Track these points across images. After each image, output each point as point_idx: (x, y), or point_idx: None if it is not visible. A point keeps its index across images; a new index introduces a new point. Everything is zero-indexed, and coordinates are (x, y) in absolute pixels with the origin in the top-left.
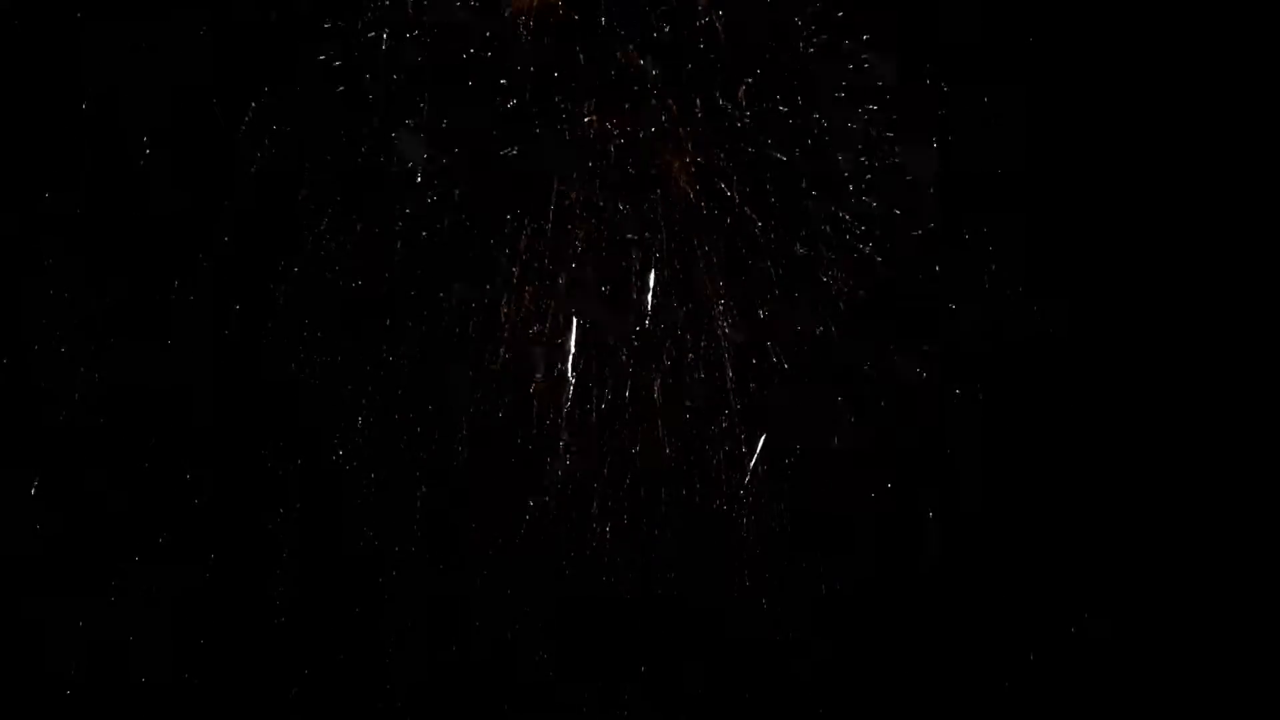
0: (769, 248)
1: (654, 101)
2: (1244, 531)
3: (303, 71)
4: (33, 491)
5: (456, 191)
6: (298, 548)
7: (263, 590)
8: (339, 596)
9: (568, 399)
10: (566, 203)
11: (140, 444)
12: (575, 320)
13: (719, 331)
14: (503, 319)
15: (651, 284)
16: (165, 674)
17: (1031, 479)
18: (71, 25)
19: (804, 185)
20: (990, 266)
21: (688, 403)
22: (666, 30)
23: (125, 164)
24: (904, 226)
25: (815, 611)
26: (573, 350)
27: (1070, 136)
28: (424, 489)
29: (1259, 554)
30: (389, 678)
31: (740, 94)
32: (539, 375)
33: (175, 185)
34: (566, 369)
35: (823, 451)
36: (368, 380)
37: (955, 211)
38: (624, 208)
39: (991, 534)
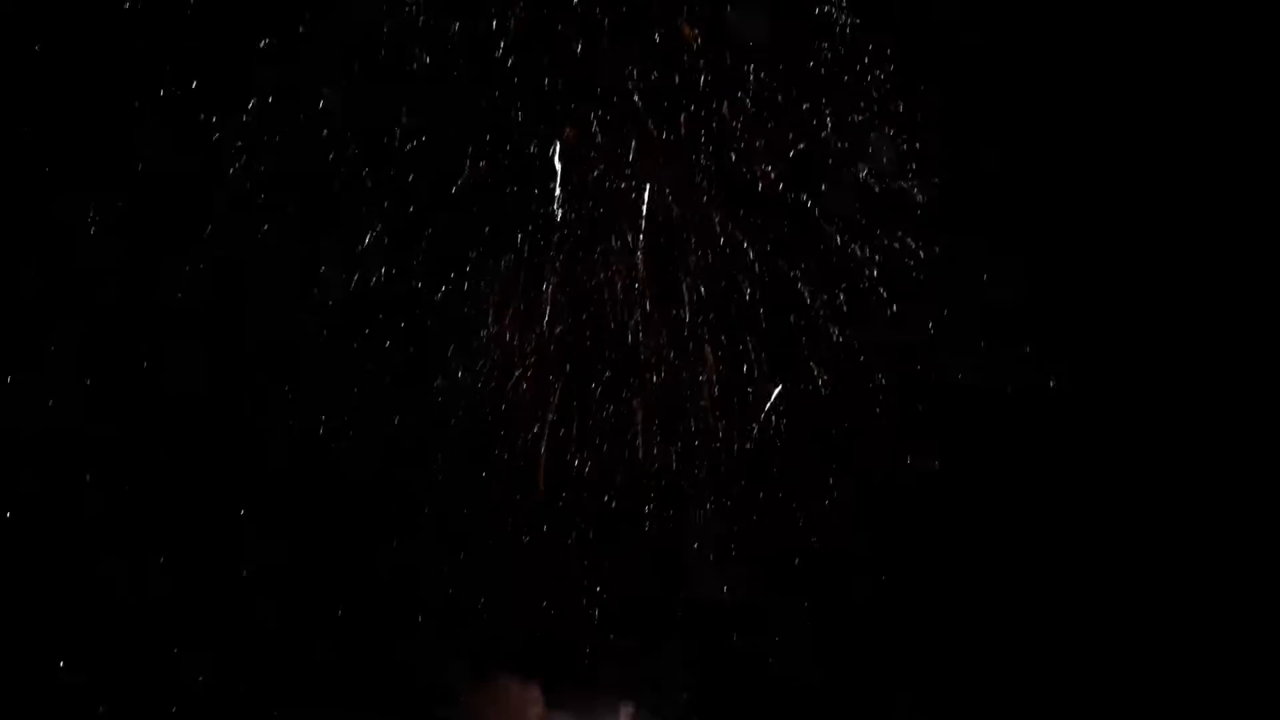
0: (752, 272)
1: (636, 118)
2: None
3: (288, 78)
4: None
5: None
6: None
7: (251, 606)
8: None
9: (549, 418)
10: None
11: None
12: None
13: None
14: (483, 338)
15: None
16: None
17: (1028, 495)
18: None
19: (791, 209)
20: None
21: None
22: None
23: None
24: (898, 251)
25: (806, 618)
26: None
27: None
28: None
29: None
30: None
31: (723, 111)
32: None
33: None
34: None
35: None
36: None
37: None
38: (601, 221)
39: (989, 547)
